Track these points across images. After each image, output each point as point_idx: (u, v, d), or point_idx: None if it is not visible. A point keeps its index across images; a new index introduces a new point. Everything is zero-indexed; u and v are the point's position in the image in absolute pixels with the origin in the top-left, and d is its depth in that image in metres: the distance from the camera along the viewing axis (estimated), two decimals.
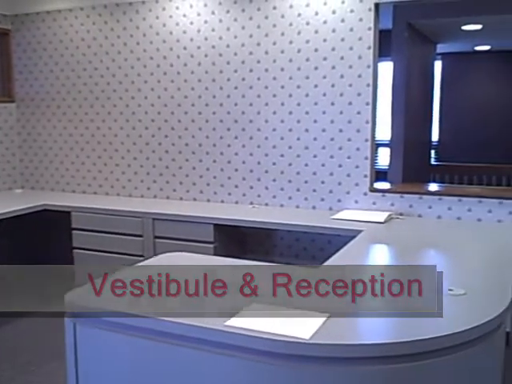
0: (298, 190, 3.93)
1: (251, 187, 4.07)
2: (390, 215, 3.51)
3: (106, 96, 4.46)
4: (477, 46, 7.28)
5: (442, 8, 4.86)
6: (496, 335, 1.80)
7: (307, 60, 3.78)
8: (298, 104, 3.85)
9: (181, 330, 1.66)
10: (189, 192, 4.28)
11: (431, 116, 7.06)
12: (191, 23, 4.08)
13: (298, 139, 3.88)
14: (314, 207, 3.90)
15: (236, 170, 4.10)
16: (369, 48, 3.61)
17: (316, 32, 3.73)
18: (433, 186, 4.05)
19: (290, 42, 3.81)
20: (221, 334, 1.61)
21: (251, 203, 4.09)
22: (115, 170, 4.51)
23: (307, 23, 3.75)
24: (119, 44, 4.36)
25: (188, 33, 4.10)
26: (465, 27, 5.62)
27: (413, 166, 5.80)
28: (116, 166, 4.51)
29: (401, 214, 3.65)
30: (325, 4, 3.68)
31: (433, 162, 7.84)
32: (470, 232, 3.20)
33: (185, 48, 4.13)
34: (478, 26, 5.58)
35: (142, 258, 3.57)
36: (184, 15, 4.09)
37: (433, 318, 1.76)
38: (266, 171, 4.01)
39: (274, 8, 3.82)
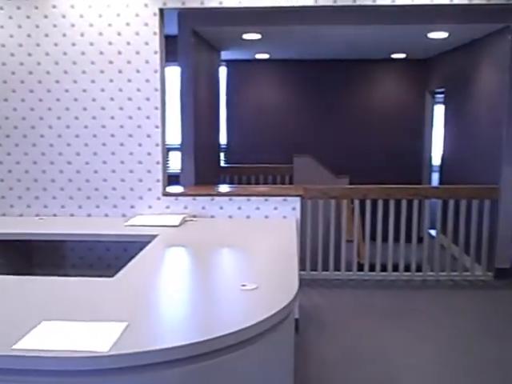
0: (88, 197, 3.78)
1: (37, 198, 3.80)
2: (183, 218, 3.56)
3: None
4: (257, 54, 7.75)
5: (223, 17, 5.08)
6: (285, 324, 1.93)
7: (92, 63, 3.65)
8: (85, 109, 3.69)
9: None
10: None
11: (218, 120, 7.35)
12: None
13: (86, 145, 3.73)
14: (106, 215, 3.79)
15: (18, 180, 3.80)
16: (155, 53, 3.62)
17: (100, 34, 3.62)
18: (223, 188, 4.21)
19: (73, 44, 3.64)
20: (7, 360, 1.47)
21: (37, 215, 3.82)
22: None
23: (91, 25, 3.62)
24: None
25: None
26: (245, 36, 5.95)
27: (204, 169, 5.98)
28: None
29: (194, 216, 3.72)
30: (108, 6, 3.59)
31: (222, 164, 8.17)
32: (260, 229, 3.39)
33: None
34: (257, 36, 5.95)
35: None
36: None
37: (227, 314, 1.82)
38: (53, 180, 3.79)
39: (54, 7, 3.61)
